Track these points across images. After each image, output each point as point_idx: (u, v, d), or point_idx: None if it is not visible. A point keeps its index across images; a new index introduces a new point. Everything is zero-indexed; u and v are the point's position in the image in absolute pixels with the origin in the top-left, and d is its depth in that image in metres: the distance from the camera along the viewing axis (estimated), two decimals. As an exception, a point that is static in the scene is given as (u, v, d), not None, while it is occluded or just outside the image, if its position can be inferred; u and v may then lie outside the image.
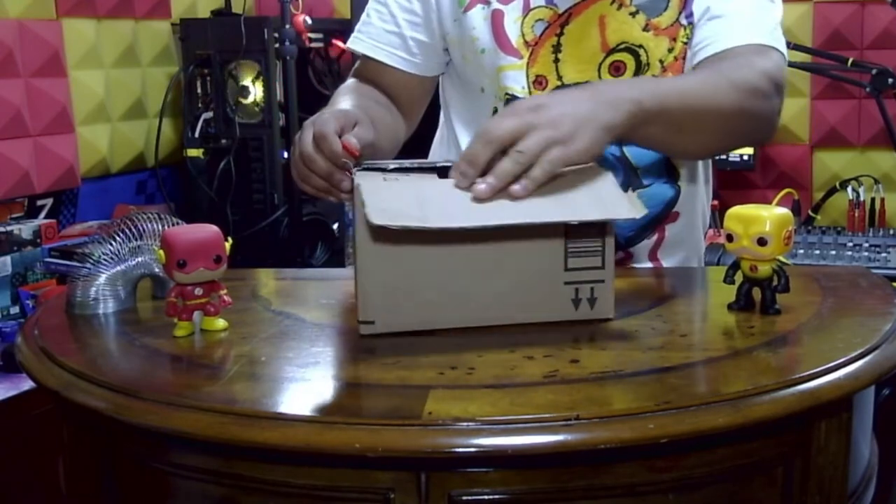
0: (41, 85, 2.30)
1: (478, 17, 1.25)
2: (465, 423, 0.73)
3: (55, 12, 2.38)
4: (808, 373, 0.81)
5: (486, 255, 0.93)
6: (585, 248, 0.95)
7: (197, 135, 2.65)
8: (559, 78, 1.24)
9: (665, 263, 1.32)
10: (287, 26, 2.56)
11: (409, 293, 0.94)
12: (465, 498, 0.78)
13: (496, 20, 1.24)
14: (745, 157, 2.60)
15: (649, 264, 1.30)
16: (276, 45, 2.57)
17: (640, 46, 1.23)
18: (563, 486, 0.78)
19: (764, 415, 0.77)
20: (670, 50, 1.24)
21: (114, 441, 0.89)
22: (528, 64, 1.24)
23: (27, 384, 1.77)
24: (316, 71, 2.81)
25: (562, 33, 1.23)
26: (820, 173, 2.69)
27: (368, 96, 1.28)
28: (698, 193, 1.34)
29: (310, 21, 2.62)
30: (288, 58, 2.57)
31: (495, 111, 1.26)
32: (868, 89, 2.28)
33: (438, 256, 0.93)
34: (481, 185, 0.90)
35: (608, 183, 0.95)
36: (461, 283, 0.94)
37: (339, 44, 2.69)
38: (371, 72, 1.32)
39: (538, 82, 1.24)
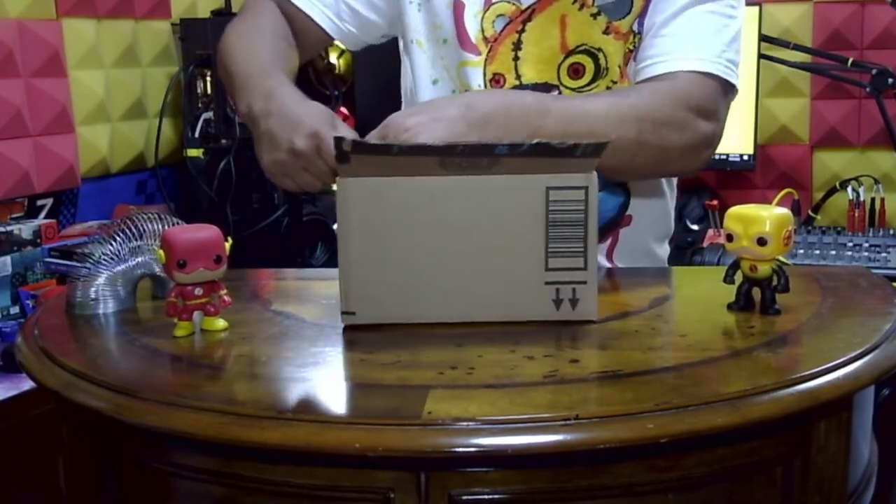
0: (41, 85, 2.30)
1: (441, 5, 1.22)
2: (464, 423, 0.73)
3: (55, 12, 2.37)
4: (807, 373, 0.81)
5: (467, 251, 0.95)
6: (566, 248, 0.95)
7: (197, 135, 2.65)
8: (518, 77, 1.21)
9: (620, 263, 1.32)
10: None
11: (389, 286, 0.96)
12: (465, 498, 0.78)
13: (457, 12, 1.21)
14: (745, 157, 2.59)
15: (608, 264, 1.30)
16: (276, 45, 2.57)
17: (600, 49, 1.20)
18: (563, 486, 0.78)
19: (763, 415, 0.77)
20: (624, 55, 1.21)
21: (114, 441, 0.89)
22: (486, 61, 1.21)
23: (27, 384, 1.77)
24: (316, 71, 2.81)
25: (523, 30, 1.20)
26: (820, 173, 2.69)
27: (280, 35, 1.26)
28: (653, 198, 1.33)
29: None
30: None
31: None
32: (868, 89, 2.28)
33: (419, 251, 0.95)
34: None
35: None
36: (442, 279, 0.96)
37: (339, 44, 2.69)
38: (290, 9, 1.30)
39: (496, 80, 1.22)
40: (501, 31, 1.21)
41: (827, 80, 2.55)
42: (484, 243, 0.95)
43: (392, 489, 0.78)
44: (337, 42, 1.34)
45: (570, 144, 0.90)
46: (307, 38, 1.31)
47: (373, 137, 1.03)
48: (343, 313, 0.98)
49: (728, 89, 1.18)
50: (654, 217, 1.35)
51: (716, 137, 1.17)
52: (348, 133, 1.04)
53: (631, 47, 1.21)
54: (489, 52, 1.21)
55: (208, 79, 2.65)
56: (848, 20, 2.57)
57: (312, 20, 1.29)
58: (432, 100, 1.21)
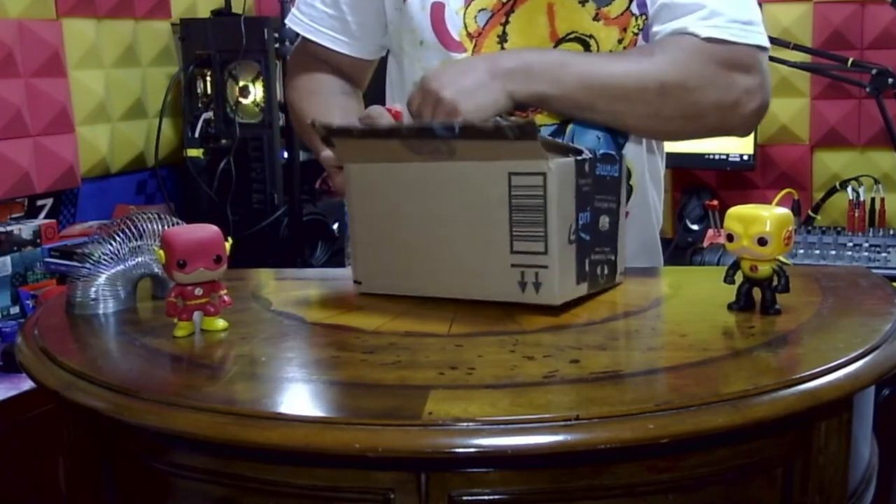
0: (41, 85, 2.30)
1: (416, 8, 1.22)
2: (465, 424, 0.73)
3: (55, 12, 2.38)
4: (808, 373, 0.81)
5: (444, 233, 1.01)
6: (529, 233, 0.96)
7: (197, 135, 2.65)
8: None
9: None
10: (287, 26, 2.56)
11: (385, 262, 1.07)
12: (465, 498, 0.78)
13: (436, 13, 1.22)
14: (745, 157, 2.59)
15: None
16: (276, 45, 2.57)
17: (591, 36, 1.20)
18: (564, 486, 0.78)
19: (764, 415, 0.77)
20: (620, 41, 1.21)
21: (114, 441, 0.89)
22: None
23: (27, 384, 1.77)
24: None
25: (507, 22, 1.20)
26: (820, 173, 2.69)
27: (334, 91, 1.33)
28: (648, 193, 1.34)
29: (287, 19, 2.62)
30: (288, 58, 2.57)
31: None
32: (868, 89, 2.28)
33: (406, 232, 1.04)
34: None
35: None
36: (425, 257, 1.03)
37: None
38: (317, 52, 1.35)
39: None
40: (485, 25, 1.21)
41: (827, 80, 2.55)
42: (458, 225, 1.00)
43: (392, 489, 0.78)
44: (316, 40, 1.36)
45: (495, 126, 0.93)
46: (343, 67, 1.37)
47: (413, 101, 1.12)
48: (354, 281, 1.10)
49: (753, 49, 1.16)
50: (650, 209, 1.36)
51: (760, 90, 1.16)
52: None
53: (636, 30, 1.21)
54: (474, 47, 1.21)
55: (208, 79, 2.65)
56: (848, 20, 2.57)
57: (333, 50, 1.34)
58: (458, 63, 1.20)
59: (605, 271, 1.05)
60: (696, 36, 1.14)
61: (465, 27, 1.21)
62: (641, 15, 1.21)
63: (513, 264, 0.98)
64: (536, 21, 1.20)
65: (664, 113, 1.14)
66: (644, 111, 1.14)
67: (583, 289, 1.01)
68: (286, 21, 1.40)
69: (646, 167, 1.32)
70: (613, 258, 1.06)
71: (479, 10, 1.21)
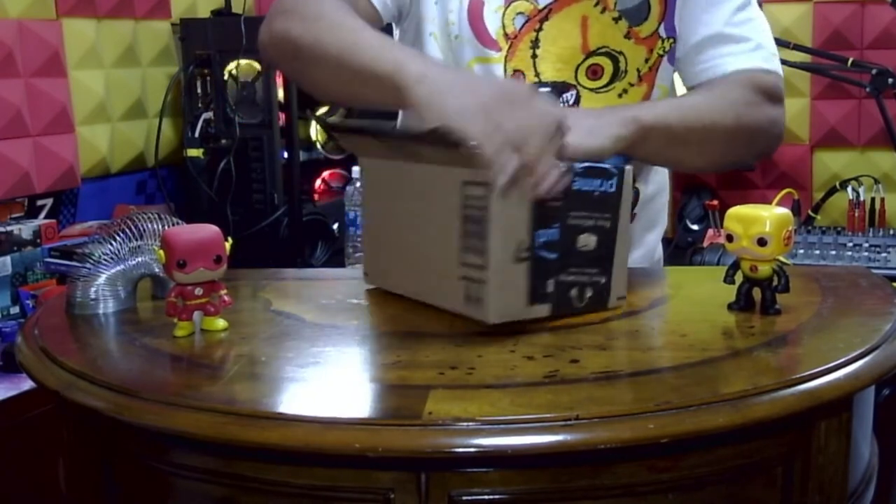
0: (41, 85, 2.30)
1: (455, 2, 1.23)
2: (465, 423, 0.73)
3: (55, 12, 2.37)
4: (808, 373, 0.81)
5: (418, 237, 1.02)
6: (473, 245, 0.93)
7: (197, 135, 2.65)
8: (537, 74, 1.23)
9: None
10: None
11: (384, 258, 1.10)
12: (465, 498, 0.78)
13: (474, 10, 1.22)
14: (745, 157, 2.59)
15: None
16: (276, 45, 2.56)
17: (621, 53, 1.23)
18: (564, 486, 0.78)
19: (764, 415, 0.77)
20: (647, 60, 1.24)
21: (114, 441, 0.89)
22: (506, 57, 1.22)
23: (27, 384, 1.77)
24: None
25: (540, 29, 1.22)
26: (820, 173, 2.69)
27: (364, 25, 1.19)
28: (654, 197, 1.35)
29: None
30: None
31: None
32: (868, 89, 2.28)
33: (396, 231, 1.06)
34: (543, 188, 0.90)
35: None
36: (408, 259, 1.05)
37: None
38: None
39: (515, 77, 1.23)
40: (521, 28, 1.22)
41: (827, 80, 2.55)
42: (426, 230, 1.01)
43: (392, 489, 0.78)
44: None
45: (430, 130, 0.92)
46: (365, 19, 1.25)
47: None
48: (364, 273, 1.13)
49: (782, 81, 1.26)
50: (656, 213, 1.37)
51: (784, 119, 1.25)
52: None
53: (661, 52, 1.24)
54: (510, 48, 1.23)
55: (208, 79, 2.65)
56: (848, 20, 2.57)
57: (371, 3, 1.23)
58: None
59: (587, 294, 0.98)
60: (748, 70, 1.22)
61: (503, 27, 1.22)
62: (669, 38, 1.24)
63: (459, 276, 0.95)
64: (569, 32, 1.22)
65: (738, 138, 1.19)
66: (724, 138, 1.18)
67: (541, 310, 0.95)
68: None
69: (652, 175, 1.34)
70: (603, 281, 0.99)
71: (517, 13, 1.22)
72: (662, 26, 1.23)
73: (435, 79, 0.97)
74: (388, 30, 1.28)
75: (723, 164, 1.40)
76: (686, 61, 1.26)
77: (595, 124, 1.02)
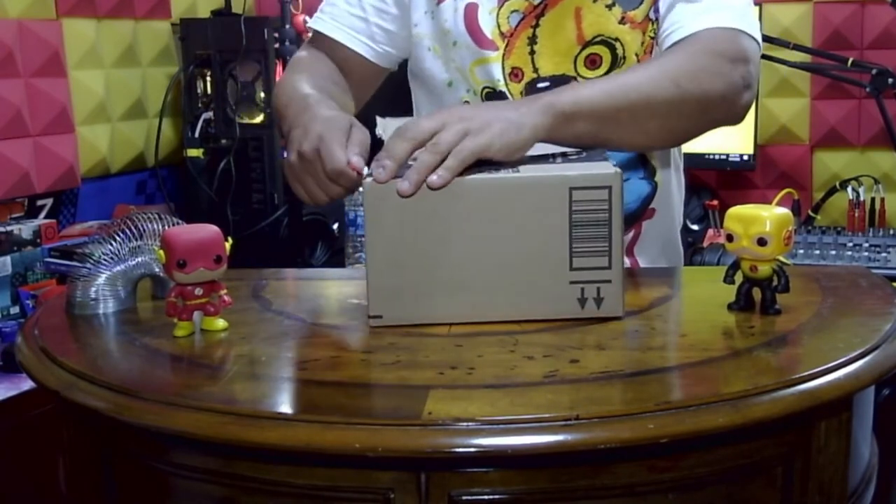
0: (41, 85, 2.30)
1: (449, 10, 1.24)
2: (465, 423, 0.73)
3: (55, 12, 2.37)
4: (808, 373, 0.81)
5: (489, 252, 0.95)
6: (591, 248, 0.95)
7: (197, 135, 2.65)
8: (535, 70, 1.23)
9: (641, 260, 1.33)
10: (287, 26, 2.56)
11: (415, 289, 0.96)
12: (465, 498, 0.78)
13: (469, 14, 1.23)
14: (745, 157, 2.59)
15: (626, 261, 1.30)
16: (276, 45, 2.56)
17: (617, 39, 1.22)
18: (564, 486, 0.78)
19: (764, 415, 0.77)
20: (642, 44, 1.23)
21: (114, 441, 0.89)
22: (504, 56, 1.23)
23: (27, 384, 1.77)
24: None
25: (537, 24, 1.22)
26: (820, 173, 2.69)
27: (327, 77, 1.28)
28: (672, 192, 1.35)
29: (310, 21, 2.62)
30: (288, 58, 2.57)
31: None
32: (868, 89, 2.28)
33: (443, 253, 0.95)
34: (404, 184, 0.93)
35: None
36: (465, 280, 0.96)
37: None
38: (328, 48, 1.32)
39: (514, 74, 1.24)
40: (516, 26, 1.23)
41: (827, 80, 2.55)
42: (506, 243, 0.95)
43: (392, 489, 0.78)
44: (338, 38, 1.33)
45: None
46: (353, 72, 1.33)
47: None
48: (370, 317, 0.97)
49: (750, 39, 1.18)
50: (674, 208, 1.36)
51: (752, 79, 1.17)
52: (362, 138, 1.04)
53: (652, 35, 1.23)
54: (506, 46, 1.24)
55: (208, 79, 2.65)
56: (848, 20, 2.57)
57: (350, 49, 1.31)
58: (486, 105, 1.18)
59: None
60: (702, 32, 1.15)
61: (498, 26, 1.23)
62: (655, 20, 1.23)
63: (571, 281, 0.96)
64: (564, 25, 1.22)
65: (682, 110, 1.13)
66: (667, 114, 1.12)
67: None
68: (310, 23, 1.37)
69: (672, 169, 1.33)
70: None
71: (512, 12, 1.23)
72: (652, 9, 1.22)
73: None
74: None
75: (672, 140, 1.24)
76: (659, 35, 1.23)
77: (513, 116, 1.00)
